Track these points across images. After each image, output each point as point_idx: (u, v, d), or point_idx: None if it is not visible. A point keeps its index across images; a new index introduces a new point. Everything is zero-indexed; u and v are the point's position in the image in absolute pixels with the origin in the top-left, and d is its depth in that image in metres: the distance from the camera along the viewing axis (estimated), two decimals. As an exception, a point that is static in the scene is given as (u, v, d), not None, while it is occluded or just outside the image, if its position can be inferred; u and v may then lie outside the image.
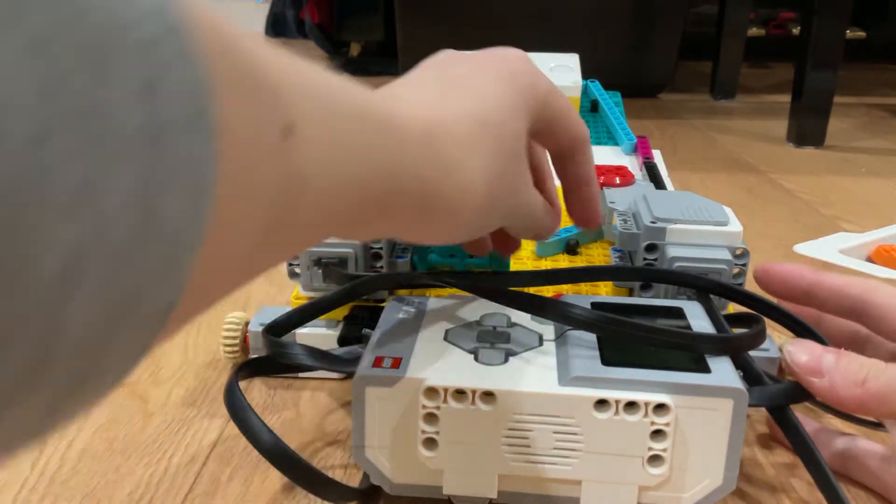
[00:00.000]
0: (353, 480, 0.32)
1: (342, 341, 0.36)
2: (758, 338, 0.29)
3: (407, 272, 0.36)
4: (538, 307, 0.28)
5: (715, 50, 1.21)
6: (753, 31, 1.34)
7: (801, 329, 0.31)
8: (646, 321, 0.27)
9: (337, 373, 0.38)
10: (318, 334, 0.38)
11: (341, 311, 0.37)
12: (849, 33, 1.20)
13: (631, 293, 0.37)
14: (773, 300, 0.32)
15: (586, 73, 0.70)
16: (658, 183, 0.49)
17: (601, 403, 0.26)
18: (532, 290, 0.34)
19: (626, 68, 1.22)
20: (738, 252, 0.35)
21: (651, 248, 0.35)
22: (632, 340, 0.27)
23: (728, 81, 1.22)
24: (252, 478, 0.32)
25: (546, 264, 0.42)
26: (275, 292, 0.50)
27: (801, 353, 0.27)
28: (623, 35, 1.21)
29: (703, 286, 0.33)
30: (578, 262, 0.42)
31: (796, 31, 1.39)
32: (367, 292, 0.34)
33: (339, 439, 0.35)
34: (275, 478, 0.32)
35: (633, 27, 1.20)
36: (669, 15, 1.19)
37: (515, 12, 1.19)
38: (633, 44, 1.21)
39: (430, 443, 0.27)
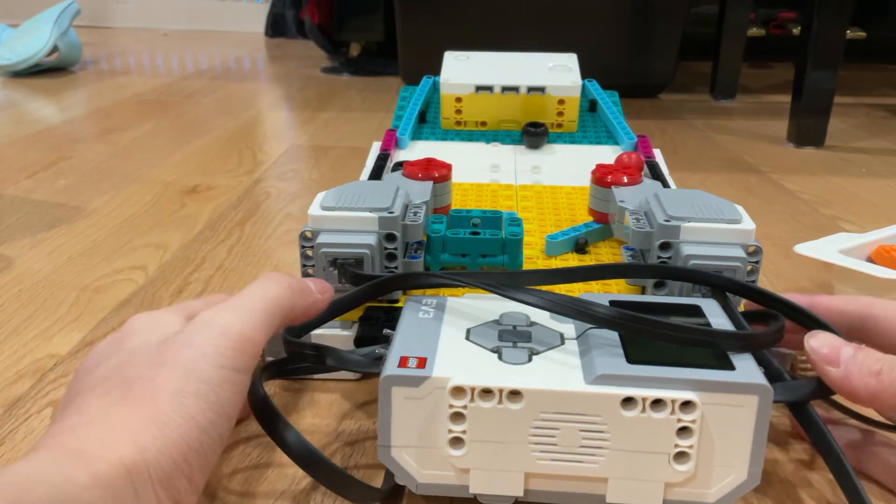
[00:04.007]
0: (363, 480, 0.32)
1: (359, 342, 0.36)
2: (778, 334, 0.29)
3: (426, 272, 0.36)
4: (561, 306, 0.28)
5: (715, 50, 1.21)
6: (753, 31, 1.34)
7: (816, 325, 0.30)
8: (666, 319, 0.27)
9: (356, 373, 0.38)
10: (333, 335, 0.38)
11: (356, 313, 0.37)
12: (849, 33, 1.20)
13: (643, 291, 0.37)
14: (787, 296, 0.32)
15: (586, 73, 0.70)
16: (661, 182, 0.49)
17: (628, 401, 0.26)
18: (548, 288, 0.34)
19: (626, 68, 1.22)
20: (750, 249, 0.35)
21: (665, 246, 0.35)
22: (654, 338, 0.27)
23: (728, 81, 1.22)
24: (252, 478, 0.32)
25: (556, 263, 0.42)
26: (275, 292, 0.50)
27: (821, 344, 0.28)
28: (623, 35, 1.21)
29: (718, 284, 0.33)
30: (588, 260, 0.42)
31: (796, 31, 1.39)
32: (386, 292, 0.34)
33: (345, 440, 0.35)
34: (274, 478, 0.32)
35: (633, 27, 1.20)
36: (669, 15, 1.19)
37: (516, 12, 1.19)
38: (633, 44, 1.21)
39: (457, 442, 0.27)
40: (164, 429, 0.23)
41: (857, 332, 0.31)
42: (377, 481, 0.32)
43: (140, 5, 2.08)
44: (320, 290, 0.31)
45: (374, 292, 0.33)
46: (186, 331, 0.27)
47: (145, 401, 0.24)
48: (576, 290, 0.39)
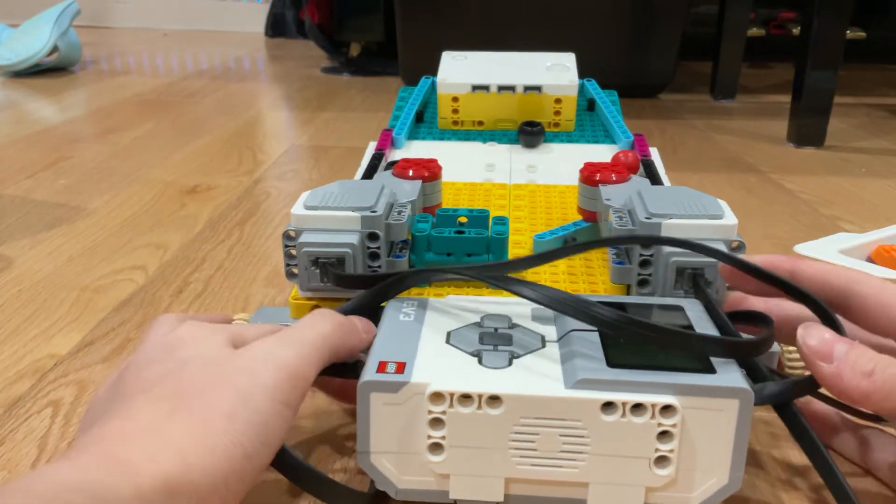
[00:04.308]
0: (353, 484, 0.32)
1: None
2: (771, 340, 0.29)
3: (433, 268, 0.35)
4: (562, 306, 0.28)
5: (715, 50, 1.21)
6: (753, 31, 1.34)
7: (821, 311, 0.30)
8: (673, 326, 0.27)
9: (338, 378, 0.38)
10: None
11: None
12: (849, 33, 1.20)
13: (628, 291, 0.37)
14: (768, 261, 0.32)
15: (587, 73, 0.70)
16: (655, 181, 0.49)
17: (608, 406, 0.26)
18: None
19: (626, 68, 1.22)
20: (733, 245, 0.35)
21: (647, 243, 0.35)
22: (656, 346, 0.27)
23: (728, 81, 1.22)
24: (252, 478, 0.32)
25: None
26: (274, 293, 0.50)
27: (813, 338, 0.27)
28: (623, 35, 1.21)
29: (708, 252, 0.33)
30: (576, 259, 0.42)
31: (796, 31, 1.39)
32: (397, 293, 0.33)
33: (337, 443, 0.35)
34: (272, 482, 0.32)
35: (633, 27, 1.20)
36: (669, 15, 1.19)
37: (516, 12, 1.19)
38: (633, 44, 1.21)
39: (437, 447, 0.27)
40: (212, 450, 0.24)
41: (841, 306, 0.31)
42: (365, 481, 0.31)
43: (140, 5, 2.08)
44: (365, 330, 0.31)
45: (374, 298, 0.33)
46: (247, 358, 0.27)
47: (198, 419, 0.24)
48: (560, 281, 0.39)
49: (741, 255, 0.34)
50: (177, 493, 0.22)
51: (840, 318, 0.30)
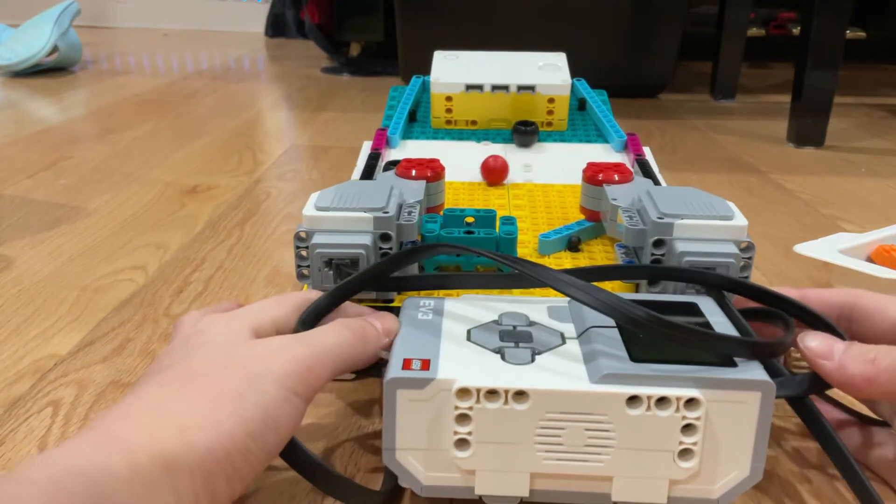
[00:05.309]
0: (371, 481, 0.32)
1: None
2: (790, 340, 0.29)
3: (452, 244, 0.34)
4: (587, 296, 0.27)
5: (715, 50, 1.21)
6: (753, 31, 1.33)
7: (816, 321, 0.31)
8: (699, 326, 0.27)
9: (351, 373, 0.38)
10: None
11: None
12: (849, 33, 1.20)
13: (637, 288, 0.37)
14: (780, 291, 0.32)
15: (587, 73, 0.70)
16: (653, 180, 0.49)
17: (633, 399, 0.26)
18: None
19: (627, 68, 1.22)
20: (742, 246, 0.35)
21: (659, 243, 0.35)
22: (681, 345, 0.27)
23: (728, 81, 1.22)
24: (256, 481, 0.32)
25: (549, 261, 0.42)
26: (274, 293, 0.50)
27: (814, 340, 0.28)
28: (623, 35, 1.21)
29: (717, 284, 0.33)
30: (580, 258, 0.42)
31: (796, 31, 1.38)
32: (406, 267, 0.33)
33: (345, 440, 0.35)
34: (274, 483, 0.32)
35: (633, 27, 1.20)
36: (669, 15, 1.19)
37: (515, 12, 1.19)
38: (633, 44, 1.21)
39: (463, 443, 0.27)
40: (216, 428, 0.24)
41: (846, 322, 0.32)
42: (377, 481, 0.32)
43: (140, 5, 2.08)
44: (386, 330, 0.31)
45: (390, 267, 0.32)
46: (261, 348, 0.27)
47: (206, 397, 0.25)
48: None
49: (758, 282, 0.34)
50: (176, 469, 0.22)
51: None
